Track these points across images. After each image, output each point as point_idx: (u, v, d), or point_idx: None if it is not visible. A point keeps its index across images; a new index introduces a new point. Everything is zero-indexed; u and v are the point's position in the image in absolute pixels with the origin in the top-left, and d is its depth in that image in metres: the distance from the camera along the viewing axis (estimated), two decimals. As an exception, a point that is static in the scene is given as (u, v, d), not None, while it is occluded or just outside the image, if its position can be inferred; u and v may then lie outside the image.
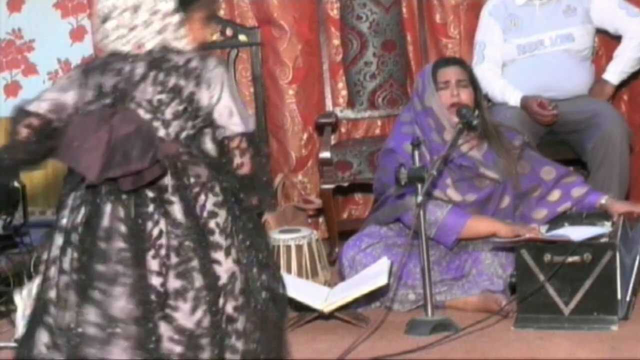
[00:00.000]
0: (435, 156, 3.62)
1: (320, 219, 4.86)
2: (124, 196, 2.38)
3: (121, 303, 2.33)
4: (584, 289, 3.29)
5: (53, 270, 2.43)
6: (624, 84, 4.56)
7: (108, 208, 2.38)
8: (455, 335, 3.28)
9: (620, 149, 4.14)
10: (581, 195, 3.81)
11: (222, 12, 4.79)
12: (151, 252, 2.36)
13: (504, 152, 3.79)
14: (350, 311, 3.52)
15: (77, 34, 5.09)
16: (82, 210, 2.41)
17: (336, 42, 4.90)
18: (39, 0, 5.11)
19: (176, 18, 2.47)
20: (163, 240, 2.36)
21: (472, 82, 3.82)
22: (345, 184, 4.54)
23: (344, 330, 3.42)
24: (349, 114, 4.83)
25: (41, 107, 2.47)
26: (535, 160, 3.87)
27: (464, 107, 3.67)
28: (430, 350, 3.18)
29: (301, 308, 3.50)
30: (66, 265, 2.40)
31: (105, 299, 2.34)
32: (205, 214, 2.40)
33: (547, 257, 3.31)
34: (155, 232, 2.36)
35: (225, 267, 2.39)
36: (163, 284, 2.34)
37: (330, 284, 3.92)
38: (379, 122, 4.91)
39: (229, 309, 2.38)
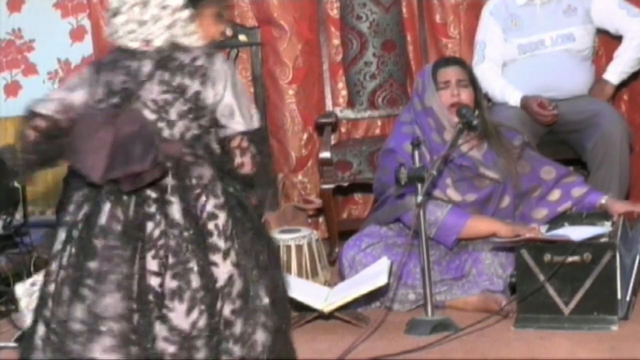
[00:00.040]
0: (435, 156, 3.62)
1: (320, 219, 4.86)
2: (124, 196, 2.38)
3: (108, 301, 2.33)
4: (584, 289, 3.29)
5: (54, 265, 2.45)
6: (624, 84, 4.57)
7: (107, 207, 2.39)
8: (455, 335, 3.28)
9: (620, 148, 4.14)
10: (581, 195, 3.81)
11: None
12: (151, 253, 2.36)
13: (504, 152, 3.79)
14: (350, 311, 3.52)
15: (77, 34, 5.09)
16: (84, 208, 2.42)
17: (336, 42, 4.90)
18: (39, 0, 5.11)
19: (186, 13, 2.45)
20: (163, 241, 2.36)
21: (472, 82, 3.82)
22: (345, 184, 4.54)
23: (344, 330, 3.42)
24: (349, 114, 4.83)
25: (48, 107, 2.46)
26: (535, 160, 3.87)
27: (464, 107, 3.67)
28: (430, 350, 3.18)
29: (301, 308, 3.49)
30: (65, 260, 2.42)
31: (92, 296, 2.35)
32: (204, 216, 2.39)
33: (547, 257, 3.31)
34: (156, 233, 2.37)
35: (223, 269, 2.38)
36: (161, 285, 2.34)
37: (330, 284, 3.92)
38: (379, 122, 4.91)
39: (226, 312, 2.37)
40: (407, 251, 3.48)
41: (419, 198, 3.30)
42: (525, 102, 4.27)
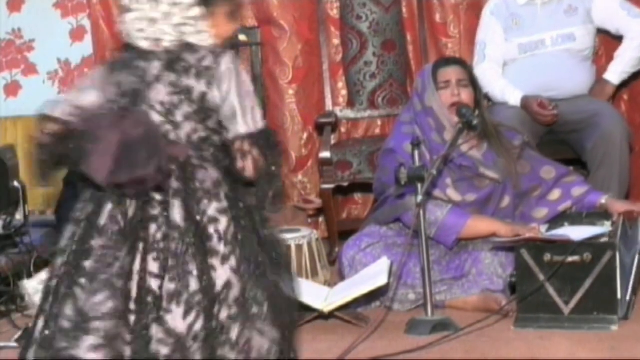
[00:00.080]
0: (435, 156, 3.62)
1: (320, 219, 4.86)
2: (127, 198, 2.38)
3: (95, 300, 2.33)
4: (584, 289, 3.29)
5: (60, 261, 2.46)
6: (624, 84, 4.56)
7: (108, 207, 2.39)
8: (455, 335, 3.28)
9: (620, 148, 4.14)
10: (581, 194, 3.81)
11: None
12: (153, 255, 2.35)
13: (504, 151, 3.79)
14: (350, 311, 3.52)
15: (77, 34, 5.10)
16: (89, 207, 2.42)
17: (336, 41, 4.90)
18: (39, 0, 5.11)
19: (197, 11, 2.42)
20: (164, 243, 2.35)
21: (472, 82, 3.82)
22: (345, 184, 4.54)
23: (344, 330, 3.42)
24: (349, 113, 4.83)
25: (60, 110, 2.45)
26: (535, 160, 3.87)
27: (464, 106, 3.67)
28: (430, 350, 3.18)
29: (301, 308, 3.49)
30: (66, 257, 2.43)
31: (83, 295, 2.35)
32: (205, 219, 2.38)
33: (547, 256, 3.31)
34: (159, 235, 2.36)
35: (220, 274, 2.36)
36: (160, 287, 2.34)
37: (330, 283, 3.92)
38: (379, 122, 4.91)
39: (223, 317, 2.36)
40: (407, 251, 3.48)
41: (419, 198, 3.30)
42: (526, 102, 4.27)
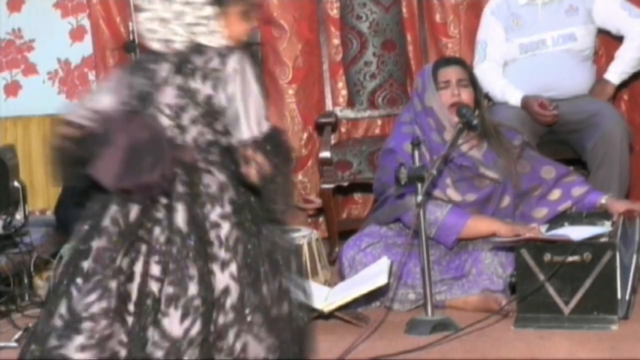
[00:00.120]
0: (435, 156, 3.62)
1: (320, 219, 4.86)
2: (132, 201, 2.38)
3: (87, 300, 2.34)
4: (584, 289, 3.29)
5: (64, 259, 2.47)
6: (624, 84, 4.56)
7: (112, 209, 2.39)
8: (455, 335, 3.28)
9: (620, 148, 4.14)
10: (581, 194, 3.80)
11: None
12: (155, 258, 2.35)
13: (504, 151, 3.79)
14: (350, 311, 3.52)
15: (77, 34, 5.09)
16: (95, 206, 2.43)
17: (336, 41, 4.90)
18: (39, 0, 5.11)
19: (210, 10, 2.40)
20: (167, 247, 2.35)
21: (472, 82, 3.82)
22: (345, 184, 4.54)
23: (344, 330, 3.42)
24: (349, 113, 4.83)
25: (78, 115, 2.44)
26: (535, 160, 3.87)
27: (464, 106, 3.67)
28: (430, 350, 3.18)
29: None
30: (69, 256, 2.44)
31: (76, 294, 2.36)
32: (207, 225, 2.37)
33: (547, 256, 3.31)
34: (162, 238, 2.36)
35: (219, 279, 2.36)
36: (160, 290, 2.34)
37: (330, 283, 3.91)
38: (379, 122, 4.91)
39: (219, 323, 2.35)
40: (407, 251, 3.48)
41: (419, 198, 3.30)
42: (526, 102, 4.27)
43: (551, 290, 3.31)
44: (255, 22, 2.58)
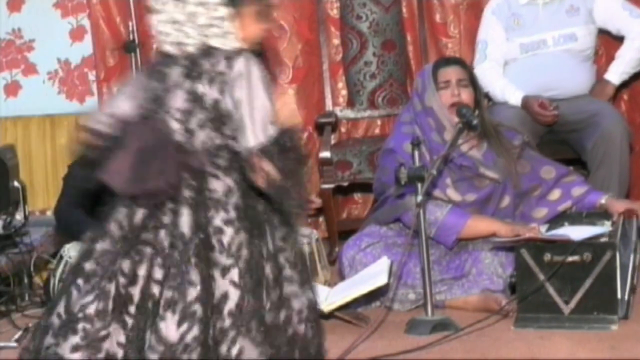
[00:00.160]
0: (435, 156, 3.62)
1: (320, 219, 4.86)
2: (138, 206, 2.38)
3: (84, 301, 2.34)
4: (584, 289, 3.29)
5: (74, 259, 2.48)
6: (624, 84, 4.57)
7: (118, 212, 2.39)
8: (455, 335, 3.27)
9: (620, 148, 4.14)
10: (581, 194, 3.80)
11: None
12: (159, 261, 2.35)
13: (504, 151, 3.79)
14: (350, 311, 3.52)
15: (77, 34, 5.09)
16: (107, 208, 2.44)
17: (336, 41, 4.90)
18: (39, 0, 5.11)
19: (224, 11, 2.37)
20: (170, 251, 2.35)
21: (472, 82, 3.82)
22: (345, 184, 4.54)
23: (344, 330, 3.42)
24: (349, 113, 4.83)
25: (98, 122, 2.43)
26: (535, 160, 3.87)
27: (464, 106, 3.67)
28: (430, 350, 3.17)
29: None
30: (78, 256, 2.46)
31: (76, 294, 2.36)
32: (210, 230, 2.36)
33: (547, 256, 3.31)
34: (167, 242, 2.35)
35: (219, 285, 2.35)
36: (161, 293, 2.33)
37: (330, 283, 3.91)
38: (379, 122, 4.91)
39: (217, 328, 2.34)
40: (407, 251, 3.48)
41: (419, 198, 3.30)
42: (526, 102, 4.27)
43: (551, 290, 3.31)
44: (271, 22, 2.54)
